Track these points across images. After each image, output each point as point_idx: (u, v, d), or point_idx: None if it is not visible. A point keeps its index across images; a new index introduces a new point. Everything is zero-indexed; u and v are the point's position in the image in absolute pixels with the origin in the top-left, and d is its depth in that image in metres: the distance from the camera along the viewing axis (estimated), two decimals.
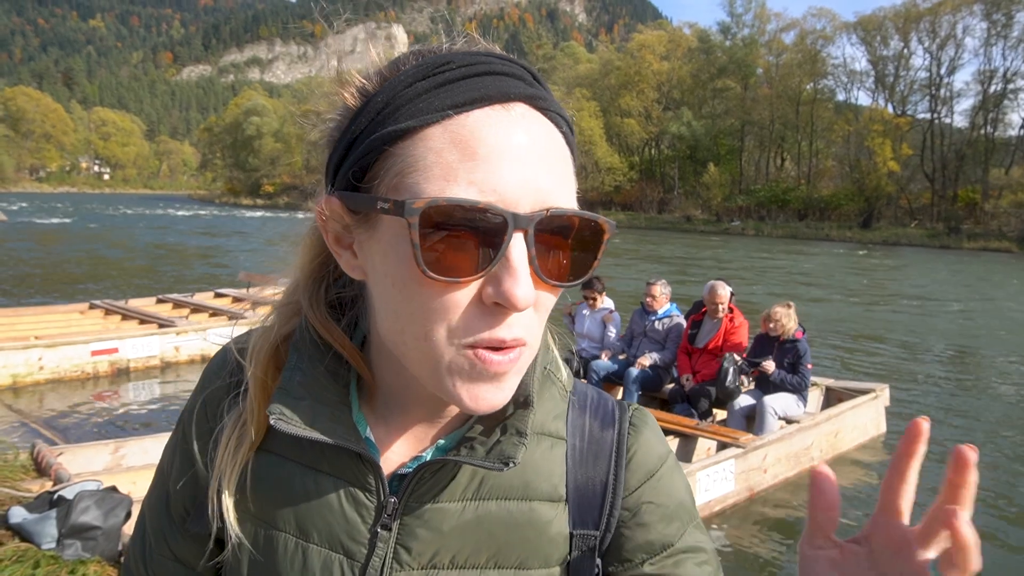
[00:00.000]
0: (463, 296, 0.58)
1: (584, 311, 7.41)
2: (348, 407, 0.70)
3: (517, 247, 0.57)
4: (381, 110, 0.60)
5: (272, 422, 0.65)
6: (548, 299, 0.63)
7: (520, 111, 0.60)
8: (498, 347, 0.59)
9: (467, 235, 0.57)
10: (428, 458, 0.70)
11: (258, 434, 0.71)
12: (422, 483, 0.68)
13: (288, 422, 0.65)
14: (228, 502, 0.70)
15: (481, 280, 0.58)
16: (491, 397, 0.61)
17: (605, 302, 7.40)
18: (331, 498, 0.68)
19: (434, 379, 0.61)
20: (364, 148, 0.60)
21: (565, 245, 0.61)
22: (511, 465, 0.65)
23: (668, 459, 0.77)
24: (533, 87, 0.62)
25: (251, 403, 0.70)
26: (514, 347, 0.60)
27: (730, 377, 6.26)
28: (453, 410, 0.72)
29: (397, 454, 0.72)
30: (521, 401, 0.69)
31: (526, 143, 0.58)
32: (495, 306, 0.58)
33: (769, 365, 6.35)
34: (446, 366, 0.60)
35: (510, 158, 0.57)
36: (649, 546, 0.73)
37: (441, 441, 0.71)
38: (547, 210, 0.58)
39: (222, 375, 0.77)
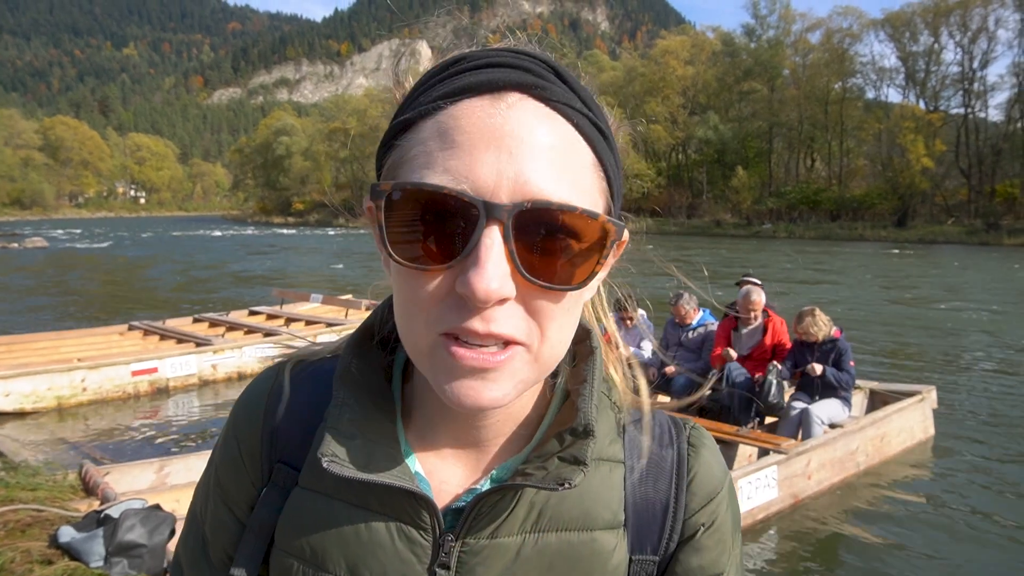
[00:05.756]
0: (437, 285, 0.56)
1: (620, 332, 7.27)
2: (398, 442, 0.67)
3: (488, 237, 0.53)
4: (399, 109, 0.61)
5: (325, 465, 0.62)
6: (545, 301, 0.57)
7: (511, 100, 0.56)
8: (470, 340, 0.55)
9: (440, 223, 0.55)
10: (484, 490, 0.66)
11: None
12: (480, 517, 0.64)
13: (342, 465, 0.62)
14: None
15: (453, 270, 0.55)
16: (473, 394, 0.56)
17: (640, 319, 7.22)
18: (383, 538, 0.65)
19: (426, 374, 0.59)
20: (382, 147, 0.62)
21: (560, 243, 0.56)
22: (567, 486, 0.61)
23: (727, 481, 0.75)
24: (537, 78, 0.58)
25: None
26: (492, 341, 0.55)
27: (774, 391, 6.09)
28: (504, 439, 0.68)
29: (450, 487, 0.68)
30: (580, 431, 0.64)
31: (511, 132, 0.55)
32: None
33: (816, 367, 6.10)
34: (428, 357, 0.58)
35: (489, 146, 0.54)
36: (701, 571, 0.71)
37: (494, 472, 0.68)
38: (530, 202, 0.54)
39: (256, 415, 0.73)
